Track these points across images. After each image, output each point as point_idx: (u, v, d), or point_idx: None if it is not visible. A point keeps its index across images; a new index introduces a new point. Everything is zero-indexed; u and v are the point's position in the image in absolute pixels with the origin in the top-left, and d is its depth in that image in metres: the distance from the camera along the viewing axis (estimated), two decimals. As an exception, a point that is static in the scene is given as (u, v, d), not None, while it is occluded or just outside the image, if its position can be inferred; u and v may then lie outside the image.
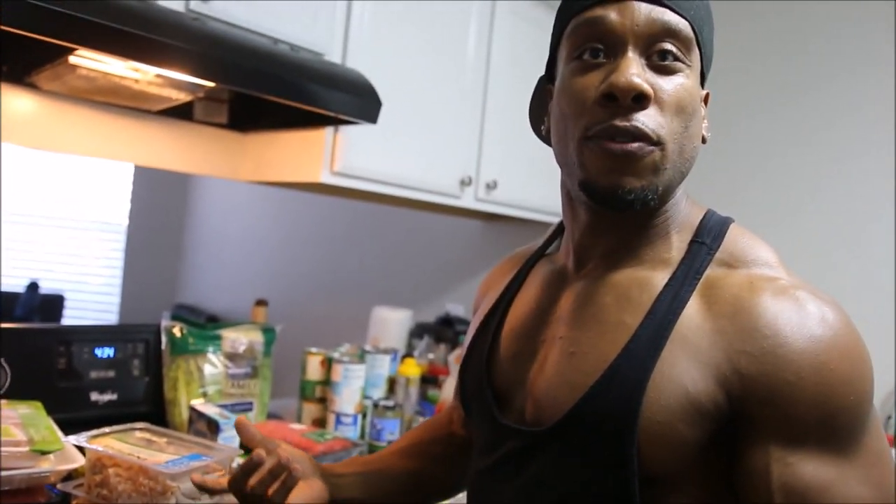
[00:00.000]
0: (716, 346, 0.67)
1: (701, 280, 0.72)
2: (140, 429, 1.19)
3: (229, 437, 1.41)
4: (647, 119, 0.69)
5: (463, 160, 2.11)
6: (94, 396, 1.54)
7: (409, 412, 1.95)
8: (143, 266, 3.85)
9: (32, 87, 1.62)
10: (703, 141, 0.77)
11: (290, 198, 3.40)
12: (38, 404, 1.36)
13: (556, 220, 2.42)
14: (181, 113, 1.85)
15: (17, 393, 1.43)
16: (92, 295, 3.79)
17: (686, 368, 0.67)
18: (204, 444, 1.18)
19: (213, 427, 1.44)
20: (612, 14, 0.71)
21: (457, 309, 2.72)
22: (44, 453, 1.15)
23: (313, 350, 1.91)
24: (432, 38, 1.99)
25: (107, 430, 1.15)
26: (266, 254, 3.57)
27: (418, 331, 2.52)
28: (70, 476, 1.21)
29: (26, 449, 1.13)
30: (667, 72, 0.71)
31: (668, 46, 0.71)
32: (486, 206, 2.21)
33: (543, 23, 2.34)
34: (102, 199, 3.81)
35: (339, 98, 1.56)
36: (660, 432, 0.67)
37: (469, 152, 2.13)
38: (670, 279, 0.73)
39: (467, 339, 0.95)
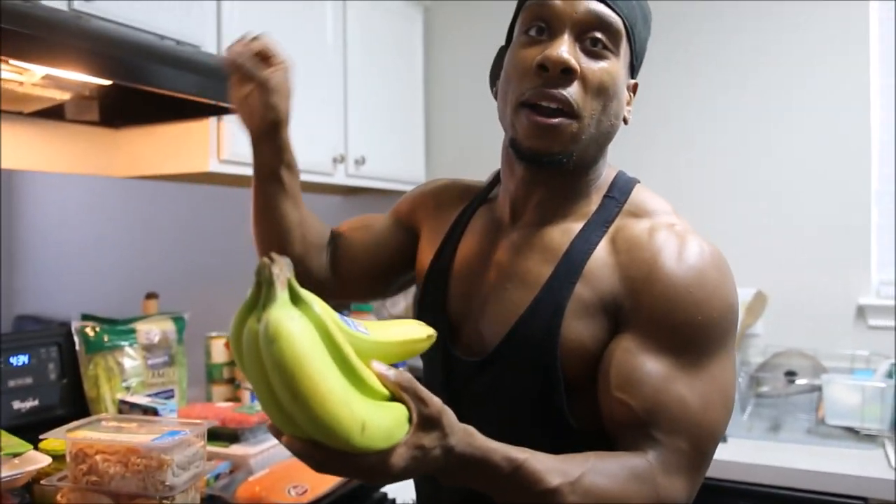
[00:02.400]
0: (613, 275, 0.86)
1: (610, 228, 0.90)
2: (106, 419, 1.24)
3: (170, 421, 1.48)
4: (572, 91, 0.84)
5: (333, 140, 2.23)
6: (17, 405, 1.53)
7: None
8: (-31, 279, 3.57)
9: None
10: (625, 122, 0.93)
11: (136, 189, 3.32)
12: (-27, 417, 1.35)
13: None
14: (51, 113, 1.82)
15: (-61, 411, 1.40)
16: (-87, 317, 3.47)
17: (590, 297, 0.85)
18: (171, 421, 1.26)
19: (151, 415, 1.49)
20: (557, 0, 0.86)
21: (328, 282, 2.84)
22: (15, 455, 1.18)
23: (214, 334, 1.97)
24: (293, 26, 2.08)
25: (76, 423, 1.20)
26: (117, 249, 3.46)
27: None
28: (35, 478, 1.24)
29: (-1, 453, 1.16)
30: (595, 56, 0.86)
31: (599, 35, 0.86)
32: (356, 181, 2.35)
33: (391, 6, 2.49)
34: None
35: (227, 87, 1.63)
36: (574, 348, 0.85)
37: (337, 132, 2.25)
38: (584, 227, 0.91)
39: (421, 261, 1.09)
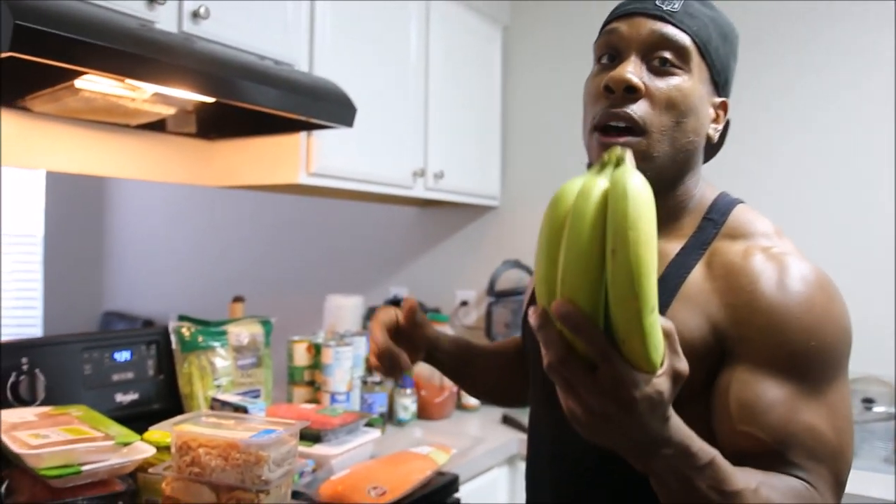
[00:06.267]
0: (710, 302, 0.85)
1: (707, 250, 0.89)
2: (206, 415, 1.33)
3: (259, 420, 1.56)
4: (637, 108, 0.86)
5: (414, 154, 2.31)
6: (119, 398, 1.65)
7: (389, 386, 2.15)
8: (64, 275, 3.79)
9: (24, 109, 1.68)
10: (710, 140, 0.93)
11: (218, 196, 3.47)
12: (85, 407, 1.46)
13: (489, 202, 2.67)
14: (152, 125, 1.94)
15: (53, 400, 1.52)
16: (12, 310, 3.70)
17: (686, 320, 0.85)
18: (265, 420, 1.34)
19: (241, 412, 1.58)
20: (622, 26, 0.90)
21: (401, 291, 2.92)
22: (125, 445, 1.28)
23: (297, 338, 2.07)
24: (379, 47, 2.16)
25: (179, 418, 1.29)
26: (197, 252, 3.62)
27: (370, 315, 2.70)
28: (140, 467, 1.34)
29: (112, 443, 1.26)
30: (663, 74, 0.88)
31: (666, 55, 0.88)
32: (434, 195, 2.42)
33: (471, 26, 2.57)
34: (14, 210, 3.72)
35: (325, 107, 1.72)
36: None
37: (417, 147, 2.33)
38: (681, 249, 0.90)
39: (526, 295, 1.16)
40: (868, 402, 1.95)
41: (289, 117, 1.71)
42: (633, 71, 0.87)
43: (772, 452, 0.79)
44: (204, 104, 1.80)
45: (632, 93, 0.86)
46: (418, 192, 2.34)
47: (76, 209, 3.89)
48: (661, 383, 0.63)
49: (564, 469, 0.98)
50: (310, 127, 1.88)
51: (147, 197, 3.84)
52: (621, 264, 0.58)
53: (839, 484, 0.81)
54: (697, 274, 0.88)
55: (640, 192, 0.60)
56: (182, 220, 3.69)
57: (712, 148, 0.99)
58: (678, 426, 0.68)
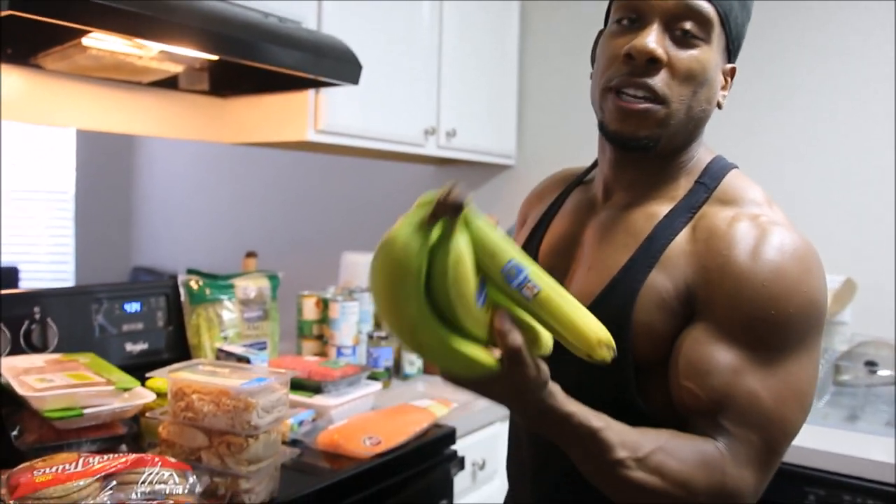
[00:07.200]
0: (689, 264, 0.86)
1: (696, 214, 0.90)
2: (203, 363, 1.39)
3: (261, 370, 1.62)
4: (657, 80, 0.86)
5: (425, 112, 2.31)
6: (129, 347, 1.71)
7: (396, 342, 2.19)
8: (94, 231, 3.90)
9: (36, 67, 1.73)
10: (719, 106, 0.93)
11: (241, 155, 3.52)
12: (92, 354, 1.53)
13: (505, 161, 2.67)
14: (166, 82, 1.98)
15: (65, 349, 1.59)
16: (46, 264, 3.83)
17: (664, 281, 0.86)
18: (261, 369, 1.39)
19: (244, 363, 1.64)
20: None
21: (417, 249, 2.94)
22: (126, 390, 1.34)
23: (307, 293, 2.11)
24: (389, 4, 2.16)
25: (177, 366, 1.34)
26: (221, 210, 3.69)
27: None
28: (141, 411, 1.40)
29: (112, 388, 1.32)
30: (684, 45, 0.86)
31: (688, 25, 0.86)
32: (446, 153, 2.43)
33: (486, -19, 2.54)
34: (46, 168, 3.82)
35: (329, 64, 1.73)
36: (645, 329, 0.86)
37: (429, 105, 2.33)
38: (669, 212, 0.91)
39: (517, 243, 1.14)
40: (870, 364, 1.93)
41: (294, 75, 1.73)
42: (656, 41, 0.86)
43: (707, 412, 0.81)
44: (212, 61, 1.83)
45: (653, 64, 0.86)
46: (430, 150, 2.35)
47: (106, 167, 3.98)
48: (500, 370, 0.74)
49: (543, 449, 0.99)
50: (317, 84, 1.89)
51: (174, 156, 3.92)
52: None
53: (771, 452, 0.81)
54: (682, 237, 0.89)
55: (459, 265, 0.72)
56: (208, 179, 3.76)
57: None
58: (561, 401, 0.77)
